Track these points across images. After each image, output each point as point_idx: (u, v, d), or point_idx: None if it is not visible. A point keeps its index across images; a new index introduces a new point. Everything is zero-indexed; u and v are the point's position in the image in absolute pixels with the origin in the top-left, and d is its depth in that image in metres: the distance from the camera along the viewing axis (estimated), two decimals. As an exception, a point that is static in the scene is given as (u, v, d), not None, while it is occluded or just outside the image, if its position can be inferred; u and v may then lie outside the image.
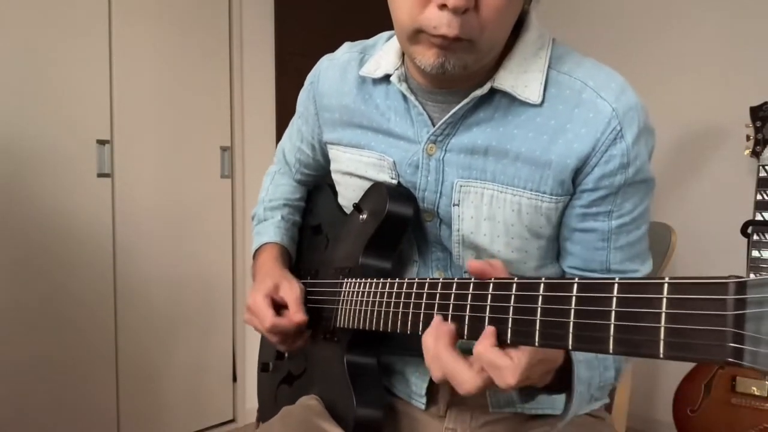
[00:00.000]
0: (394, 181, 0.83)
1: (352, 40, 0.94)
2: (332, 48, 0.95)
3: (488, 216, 0.77)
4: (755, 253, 1.90)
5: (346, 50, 0.91)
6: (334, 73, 0.89)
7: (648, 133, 0.74)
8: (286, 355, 1.00)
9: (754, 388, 1.84)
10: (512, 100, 0.74)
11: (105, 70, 2.06)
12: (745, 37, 2.25)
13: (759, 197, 1.91)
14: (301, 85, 0.97)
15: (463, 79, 0.73)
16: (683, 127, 2.39)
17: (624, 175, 0.72)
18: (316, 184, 1.10)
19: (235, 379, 2.53)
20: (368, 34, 0.93)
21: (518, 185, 0.75)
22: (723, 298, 0.38)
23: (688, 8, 2.41)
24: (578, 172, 0.73)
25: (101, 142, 2.05)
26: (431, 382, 0.85)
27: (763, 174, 1.91)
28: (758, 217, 1.91)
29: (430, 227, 0.82)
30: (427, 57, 0.69)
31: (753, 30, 2.23)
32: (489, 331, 0.57)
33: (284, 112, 2.54)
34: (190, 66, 2.29)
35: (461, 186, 0.77)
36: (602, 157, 0.72)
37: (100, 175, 2.05)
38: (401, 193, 0.81)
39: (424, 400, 0.86)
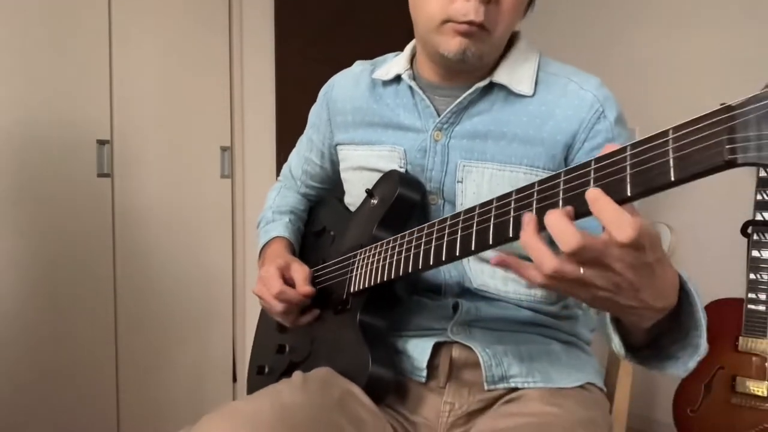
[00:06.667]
0: (403, 170, 0.92)
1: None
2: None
3: (489, 193, 0.85)
4: (755, 253, 1.90)
5: (358, 65, 1.04)
6: (348, 81, 1.02)
7: (624, 123, 0.88)
8: (287, 348, 1.03)
9: (755, 388, 1.84)
10: (508, 93, 0.88)
11: (105, 70, 2.06)
12: (744, 36, 2.25)
13: (759, 197, 1.91)
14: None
15: (470, 71, 0.87)
16: (683, 127, 2.38)
17: None
18: (321, 199, 1.18)
19: (235, 379, 2.53)
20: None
21: (514, 162, 0.87)
22: (717, 119, 0.47)
23: (687, 7, 2.41)
24: (570, 149, 0.86)
25: (101, 142, 2.05)
26: (432, 356, 0.88)
27: (763, 174, 1.91)
28: (758, 217, 1.91)
29: (434, 210, 0.91)
30: (451, 45, 0.82)
31: (753, 29, 2.23)
32: (528, 218, 0.57)
33: (284, 112, 2.54)
34: (190, 66, 2.29)
35: (464, 166, 0.88)
36: (589, 132, 0.85)
37: (100, 175, 2.05)
38: (411, 179, 0.91)
39: (424, 373, 0.89)
